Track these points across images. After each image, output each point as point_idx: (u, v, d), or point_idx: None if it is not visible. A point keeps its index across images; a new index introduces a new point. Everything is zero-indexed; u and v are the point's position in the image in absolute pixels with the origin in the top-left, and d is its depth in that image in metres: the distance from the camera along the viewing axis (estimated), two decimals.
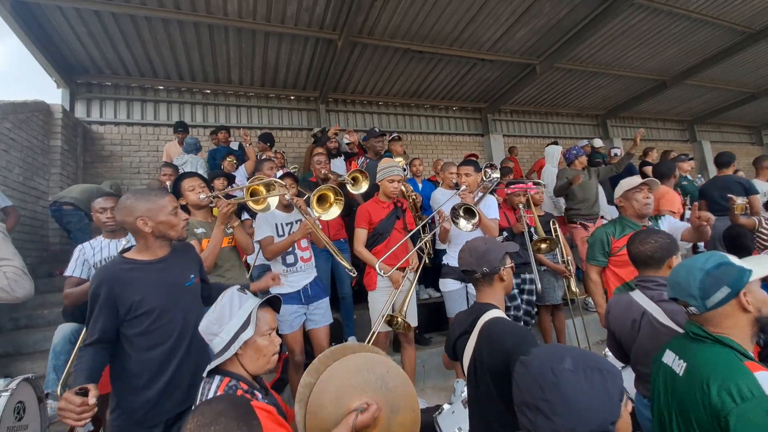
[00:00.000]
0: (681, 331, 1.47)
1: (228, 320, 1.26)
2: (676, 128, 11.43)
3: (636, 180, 2.50)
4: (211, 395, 1.18)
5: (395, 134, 5.57)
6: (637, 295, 1.69)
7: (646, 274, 1.73)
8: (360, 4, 5.03)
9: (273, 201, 2.53)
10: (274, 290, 2.76)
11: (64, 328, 2.74)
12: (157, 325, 1.56)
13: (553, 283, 3.66)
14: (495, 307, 1.47)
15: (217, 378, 1.23)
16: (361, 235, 2.86)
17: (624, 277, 2.32)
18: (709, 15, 6.42)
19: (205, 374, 1.26)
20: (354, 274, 2.73)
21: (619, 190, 2.54)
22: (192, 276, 1.70)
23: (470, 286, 3.08)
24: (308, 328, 2.78)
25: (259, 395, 1.25)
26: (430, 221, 3.40)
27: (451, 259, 3.11)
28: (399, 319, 2.65)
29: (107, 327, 1.54)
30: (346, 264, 2.64)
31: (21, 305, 4.07)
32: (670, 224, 2.55)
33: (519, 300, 3.49)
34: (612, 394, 0.84)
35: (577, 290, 3.63)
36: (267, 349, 1.30)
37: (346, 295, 3.68)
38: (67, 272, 2.43)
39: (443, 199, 3.21)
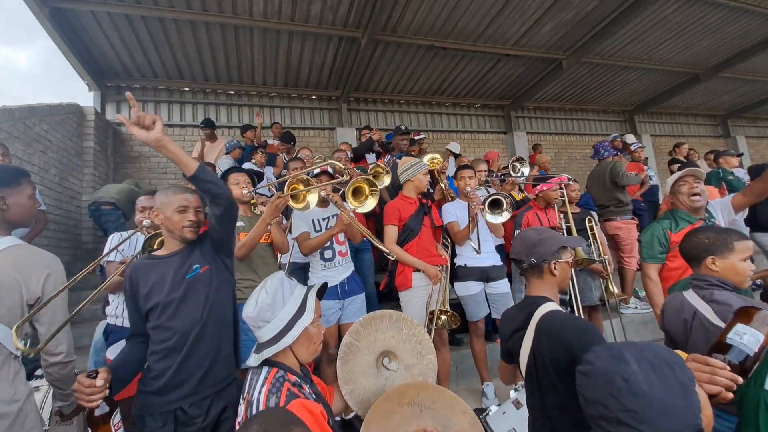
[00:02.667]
0: None
1: (282, 306, 1.24)
2: (708, 123, 10.97)
3: (680, 172, 2.41)
4: (258, 387, 1.16)
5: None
6: (690, 295, 1.64)
7: (695, 272, 1.69)
8: (384, 2, 5.00)
9: (312, 199, 2.52)
10: (311, 284, 2.77)
11: (104, 325, 2.79)
12: (162, 320, 1.57)
13: (589, 284, 3.52)
14: (549, 299, 1.40)
15: (265, 369, 1.21)
16: (392, 232, 2.81)
17: (676, 276, 2.23)
18: (748, 3, 6.12)
19: (255, 363, 1.23)
20: (392, 257, 2.67)
21: (667, 186, 2.46)
22: (196, 266, 1.64)
23: (490, 286, 3.02)
24: (341, 323, 2.76)
25: (307, 388, 1.22)
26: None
27: (468, 259, 3.02)
28: (443, 316, 2.60)
29: (135, 320, 1.62)
30: (383, 248, 2.59)
31: None
32: (720, 205, 2.47)
33: None
34: (687, 385, 0.78)
35: (616, 291, 3.49)
36: (317, 337, 1.30)
37: (371, 294, 3.65)
38: (110, 258, 2.44)
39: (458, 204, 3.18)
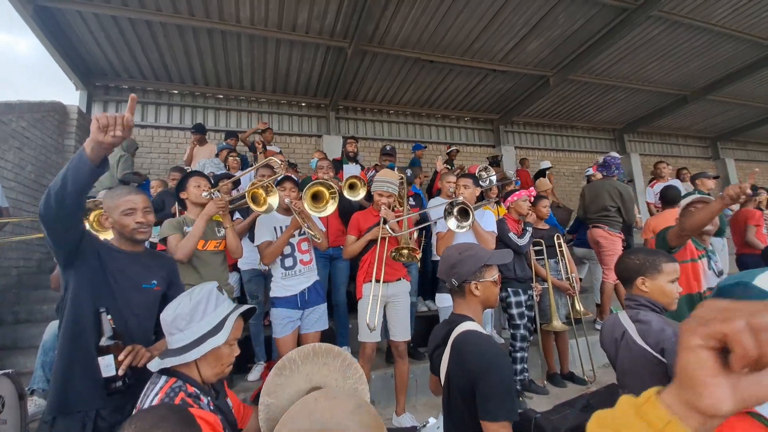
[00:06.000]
0: (652, 351, 1.42)
1: (199, 319, 1.20)
2: (698, 145, 11.05)
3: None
4: (151, 396, 1.13)
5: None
6: (622, 315, 1.65)
7: (628, 292, 1.69)
8: (370, 13, 5.05)
9: (273, 202, 2.52)
10: (273, 293, 2.72)
11: (55, 325, 2.74)
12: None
13: (556, 301, 3.49)
14: (470, 319, 1.39)
15: (163, 378, 1.17)
16: (350, 241, 2.90)
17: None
18: (733, 29, 6.20)
19: (155, 369, 1.19)
20: (318, 239, 2.69)
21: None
22: (153, 282, 1.65)
23: None
24: (301, 332, 2.74)
25: (205, 400, 1.18)
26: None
27: None
28: (405, 250, 2.66)
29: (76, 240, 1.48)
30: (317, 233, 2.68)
31: (24, 299, 4.15)
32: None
33: (526, 318, 3.31)
34: None
35: (582, 309, 3.46)
36: (227, 359, 1.25)
37: (341, 303, 3.61)
38: None
39: (437, 206, 3.15)
